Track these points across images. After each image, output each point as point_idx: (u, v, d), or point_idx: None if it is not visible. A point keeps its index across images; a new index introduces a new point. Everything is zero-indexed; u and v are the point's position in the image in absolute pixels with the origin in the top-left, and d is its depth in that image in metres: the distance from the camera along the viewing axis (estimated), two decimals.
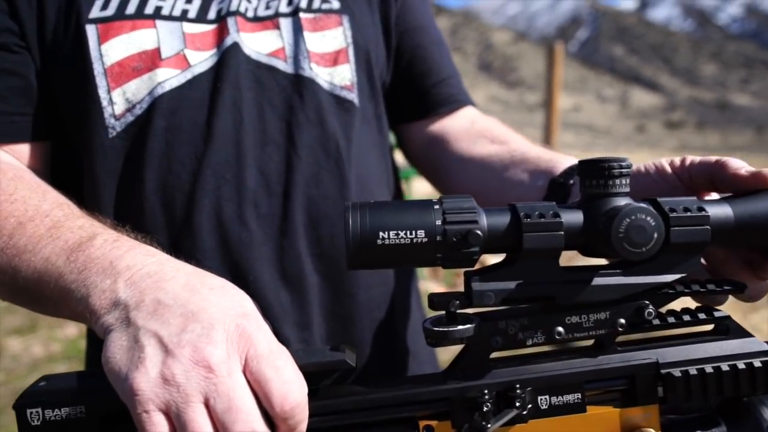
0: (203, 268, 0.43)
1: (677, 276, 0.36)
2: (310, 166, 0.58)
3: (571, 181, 0.50)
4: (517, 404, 0.35)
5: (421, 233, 0.34)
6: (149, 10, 0.55)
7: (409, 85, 0.68)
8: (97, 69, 0.53)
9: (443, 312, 0.36)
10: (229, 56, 0.56)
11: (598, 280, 0.36)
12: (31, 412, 0.34)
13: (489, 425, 0.34)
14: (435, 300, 0.36)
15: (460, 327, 0.35)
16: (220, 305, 0.36)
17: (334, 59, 0.60)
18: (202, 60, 0.56)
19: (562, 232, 0.35)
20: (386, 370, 0.64)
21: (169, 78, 0.54)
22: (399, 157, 0.75)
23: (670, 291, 0.37)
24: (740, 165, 0.40)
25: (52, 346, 2.89)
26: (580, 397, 0.36)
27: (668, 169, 0.44)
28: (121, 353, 0.34)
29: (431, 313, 0.38)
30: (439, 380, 0.37)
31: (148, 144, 0.54)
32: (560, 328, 0.36)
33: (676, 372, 0.36)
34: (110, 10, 0.54)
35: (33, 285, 0.41)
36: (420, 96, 0.68)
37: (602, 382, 0.37)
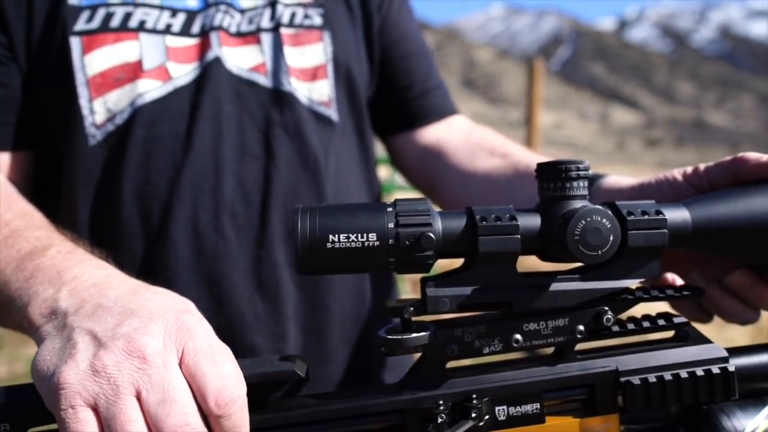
0: (178, 277, 0.46)
1: (636, 281, 0.36)
2: (288, 179, 0.59)
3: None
4: (474, 415, 0.34)
5: (372, 236, 0.33)
6: (133, 23, 0.56)
7: (394, 96, 0.68)
8: (79, 79, 0.54)
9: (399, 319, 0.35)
10: (210, 70, 0.57)
11: (556, 286, 0.35)
12: None
13: None
14: (389, 307, 0.35)
15: (414, 335, 0.34)
16: (161, 303, 0.35)
17: (313, 75, 0.61)
18: (183, 73, 0.57)
19: (519, 236, 0.34)
20: (363, 381, 0.63)
21: (150, 89, 0.55)
22: (382, 171, 0.73)
23: (630, 297, 0.37)
24: (758, 155, 0.40)
25: (15, 365, 2.82)
26: (539, 407, 0.35)
27: (680, 178, 0.44)
28: (51, 354, 0.32)
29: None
30: (393, 391, 0.35)
31: (127, 153, 0.55)
32: (518, 336, 0.35)
33: (635, 380, 0.35)
34: (95, 23, 0.55)
35: None
36: (405, 106, 0.69)
37: (561, 391, 0.36)
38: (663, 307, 0.41)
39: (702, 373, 0.35)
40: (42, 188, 0.59)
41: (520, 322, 0.36)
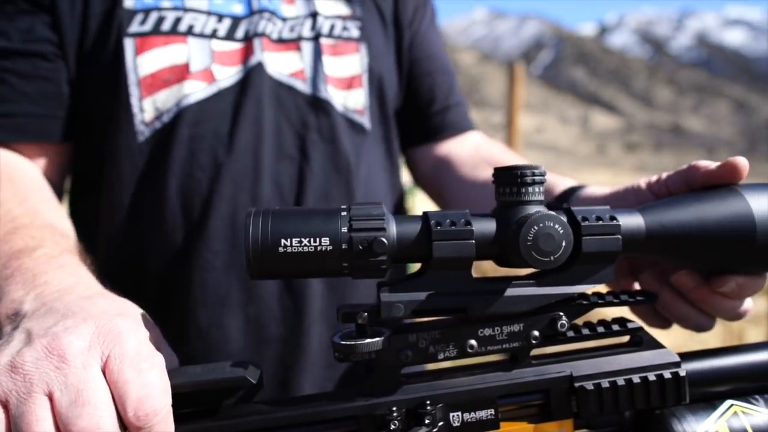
0: (213, 269, 0.52)
1: (591, 286, 0.36)
2: (321, 181, 0.62)
3: (565, 205, 0.50)
4: (427, 422, 0.34)
5: (325, 241, 0.32)
6: (183, 27, 0.60)
7: (416, 110, 0.72)
8: (131, 79, 0.58)
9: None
10: (253, 74, 0.60)
11: (510, 291, 0.35)
12: None
13: None
14: (344, 312, 0.35)
15: (367, 341, 0.34)
16: (105, 306, 0.35)
17: (349, 84, 0.65)
18: (227, 76, 0.60)
19: (473, 241, 0.34)
20: None
21: (196, 91, 0.59)
22: (406, 175, 0.80)
23: (584, 302, 0.37)
24: (708, 163, 0.41)
25: None
26: (493, 413, 0.35)
27: (643, 186, 0.46)
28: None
29: None
30: (347, 397, 0.35)
31: (172, 150, 0.59)
32: (473, 341, 0.35)
33: (589, 385, 0.35)
34: (148, 26, 0.59)
35: None
36: (424, 121, 0.72)
37: (516, 397, 0.36)
38: (624, 312, 0.41)
39: (654, 378, 0.36)
40: (83, 179, 0.63)
41: (475, 327, 0.35)
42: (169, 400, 0.31)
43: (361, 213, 0.33)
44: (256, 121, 0.60)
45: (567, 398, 0.36)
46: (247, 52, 0.61)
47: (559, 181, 0.58)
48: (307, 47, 0.64)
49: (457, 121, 0.73)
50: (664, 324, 0.46)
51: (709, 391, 0.36)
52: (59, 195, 0.62)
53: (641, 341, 0.38)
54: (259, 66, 0.61)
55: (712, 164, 0.40)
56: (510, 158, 0.70)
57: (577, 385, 0.36)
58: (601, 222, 0.35)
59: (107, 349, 0.31)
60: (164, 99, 0.59)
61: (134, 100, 0.58)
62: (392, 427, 0.33)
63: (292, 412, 0.34)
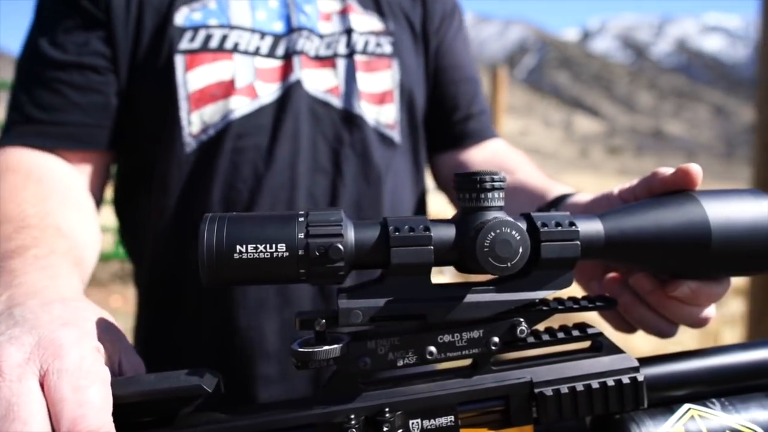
0: None
1: (551, 292, 0.36)
2: (352, 193, 0.66)
3: (553, 210, 0.53)
4: (386, 429, 0.33)
5: (282, 247, 0.32)
6: (229, 45, 0.63)
7: (439, 118, 0.74)
8: (181, 93, 0.62)
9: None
10: (292, 91, 0.64)
11: (470, 297, 0.35)
12: None
13: None
14: (302, 319, 0.35)
15: (325, 348, 0.33)
16: (57, 314, 0.34)
17: (381, 99, 0.68)
18: (269, 92, 0.64)
19: (432, 247, 0.34)
20: None
21: (240, 106, 0.63)
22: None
23: (544, 308, 0.37)
24: (666, 170, 0.41)
25: None
26: (453, 420, 0.35)
27: (615, 193, 0.47)
28: None
29: None
30: (305, 405, 0.34)
31: (216, 161, 0.62)
32: (432, 348, 0.35)
33: (548, 391, 0.35)
34: (197, 43, 0.62)
35: None
36: (447, 129, 0.74)
37: (476, 403, 0.36)
38: (595, 316, 0.42)
39: (613, 384, 0.36)
40: (131, 184, 0.67)
41: (434, 334, 0.35)
42: (108, 418, 0.30)
43: (318, 219, 0.33)
44: (293, 136, 0.63)
45: (527, 404, 0.36)
46: (287, 69, 0.65)
47: (553, 188, 0.60)
48: (341, 64, 0.67)
49: (478, 129, 0.74)
50: (629, 329, 0.47)
51: (667, 395, 0.37)
52: (99, 199, 0.65)
53: (601, 347, 0.38)
54: (298, 83, 0.64)
55: (669, 171, 0.41)
56: (519, 163, 0.71)
57: (536, 391, 0.36)
58: (560, 228, 0.35)
59: (46, 363, 0.31)
60: (211, 113, 0.62)
61: (183, 114, 0.62)
62: None
63: (250, 420, 0.33)
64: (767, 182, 1.96)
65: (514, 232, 0.33)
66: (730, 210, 0.37)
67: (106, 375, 0.32)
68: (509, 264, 0.34)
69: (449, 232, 0.35)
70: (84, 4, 0.61)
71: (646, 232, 0.37)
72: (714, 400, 0.36)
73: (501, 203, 0.35)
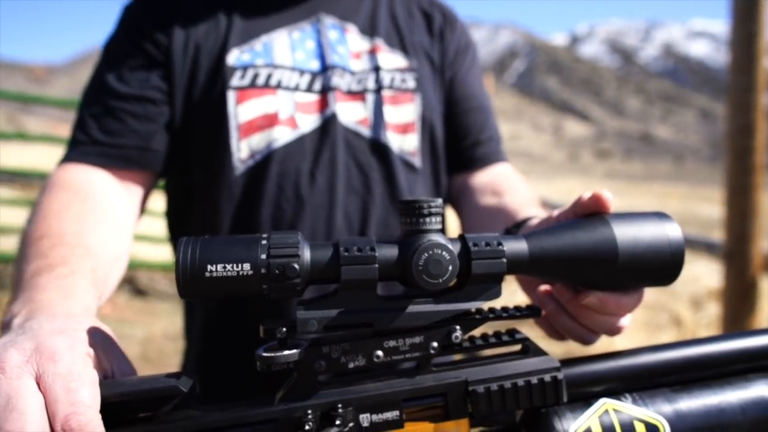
0: None
1: (482, 303, 0.42)
2: (381, 212, 0.76)
3: (517, 232, 0.61)
4: (338, 423, 0.38)
5: (246, 266, 0.38)
6: (273, 82, 0.74)
7: (450, 143, 0.83)
8: (232, 124, 0.72)
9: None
10: (328, 123, 0.74)
11: (412, 308, 0.41)
12: None
13: None
14: (266, 328, 0.40)
15: (285, 352, 0.38)
16: (55, 326, 0.40)
17: (405, 129, 0.78)
18: (308, 123, 0.74)
19: (377, 265, 0.40)
20: None
21: (283, 136, 0.73)
22: None
23: (477, 316, 0.43)
24: (586, 195, 0.48)
25: None
26: (398, 414, 0.40)
27: (555, 215, 0.53)
28: None
29: None
30: (268, 402, 0.39)
31: (263, 184, 0.72)
32: (379, 352, 0.41)
33: (480, 389, 0.41)
34: (246, 81, 0.73)
35: (14, 283, 0.53)
36: (457, 154, 0.83)
37: (419, 400, 0.41)
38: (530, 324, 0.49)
39: (536, 382, 0.42)
40: (182, 203, 0.77)
41: (381, 340, 0.41)
42: (96, 415, 0.35)
43: (278, 242, 0.38)
44: (331, 162, 0.73)
45: (463, 400, 0.41)
46: (323, 103, 0.75)
47: (523, 211, 0.69)
48: (370, 98, 0.77)
49: (484, 155, 0.83)
50: (558, 336, 0.53)
51: (586, 391, 0.42)
52: (141, 211, 0.75)
53: (529, 350, 0.44)
54: (333, 116, 0.74)
55: (586, 196, 0.47)
56: (509, 186, 0.79)
57: (470, 388, 0.41)
58: (489, 247, 0.41)
59: (42, 367, 0.36)
60: (257, 141, 0.72)
61: (233, 142, 0.71)
62: (307, 427, 0.37)
63: (218, 416, 0.38)
64: (740, 188, 2.18)
65: (444, 253, 0.39)
66: (636, 231, 0.43)
67: (94, 378, 0.37)
68: (440, 280, 0.40)
69: (392, 252, 0.41)
70: (147, 47, 0.72)
71: (563, 249, 0.43)
72: (627, 394, 0.42)
73: (438, 226, 0.41)
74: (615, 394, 0.42)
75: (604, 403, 0.41)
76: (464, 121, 0.83)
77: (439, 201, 0.42)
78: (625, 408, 0.40)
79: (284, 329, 0.39)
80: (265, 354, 0.39)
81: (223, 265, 0.37)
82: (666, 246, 0.43)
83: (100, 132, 0.69)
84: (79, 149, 0.69)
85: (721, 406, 0.40)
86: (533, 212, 0.67)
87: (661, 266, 0.43)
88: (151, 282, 4.75)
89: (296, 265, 0.38)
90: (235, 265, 0.37)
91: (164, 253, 5.41)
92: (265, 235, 0.39)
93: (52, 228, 0.57)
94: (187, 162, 0.74)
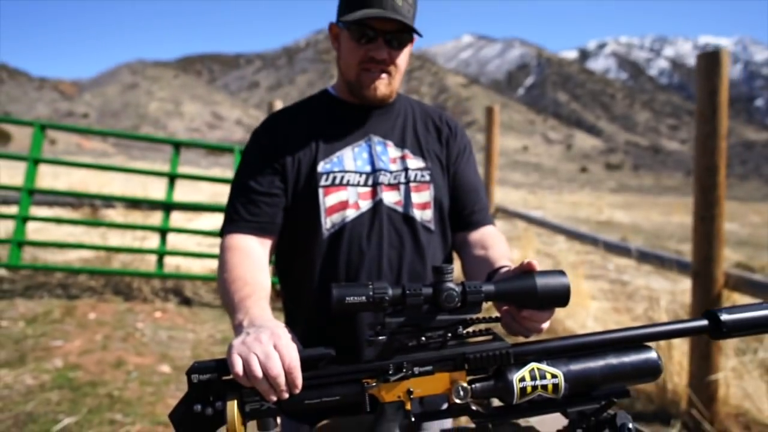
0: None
1: (472, 315, 0.78)
2: (410, 262, 1.14)
3: (494, 276, 0.99)
4: (404, 370, 0.75)
5: (362, 298, 0.74)
6: (344, 181, 1.14)
7: (456, 213, 1.23)
8: (322, 208, 1.12)
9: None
10: (378, 206, 1.14)
11: (438, 317, 0.76)
12: (192, 376, 0.74)
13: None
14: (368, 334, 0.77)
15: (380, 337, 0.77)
16: (270, 325, 0.82)
17: (424, 206, 1.17)
18: (365, 206, 1.14)
19: (422, 297, 0.76)
20: None
21: (351, 215, 1.13)
22: None
23: (469, 321, 0.79)
24: (526, 261, 0.84)
25: (42, 376, 3.14)
26: (431, 368, 0.76)
27: (512, 268, 0.91)
28: (237, 341, 0.77)
29: None
30: (372, 361, 0.76)
31: (341, 243, 1.12)
32: (423, 338, 0.77)
33: (471, 356, 0.76)
34: (329, 182, 1.13)
35: (227, 306, 0.96)
36: (458, 220, 1.23)
37: (442, 362, 0.77)
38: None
39: (498, 353, 0.77)
40: (287, 257, 1.19)
41: (424, 332, 0.78)
42: (298, 364, 0.74)
43: (378, 286, 0.75)
44: (379, 229, 1.13)
45: (462, 362, 0.77)
46: (374, 193, 1.14)
47: (500, 262, 1.06)
48: (402, 188, 1.16)
49: (476, 221, 1.23)
50: (512, 333, 0.90)
51: (524, 359, 0.77)
52: (270, 260, 1.15)
53: (496, 338, 0.80)
54: (380, 200, 1.14)
55: (526, 261, 0.83)
56: (494, 242, 1.17)
57: (467, 356, 0.77)
58: (475, 288, 0.76)
59: (276, 340, 0.76)
60: (336, 217, 1.12)
61: (322, 219, 1.12)
62: (390, 372, 0.76)
63: (352, 368, 0.76)
64: (706, 218, 2.63)
65: (454, 292, 0.74)
66: (547, 279, 0.80)
67: (296, 348, 0.76)
68: (452, 304, 0.75)
69: (429, 291, 0.76)
70: (270, 161, 1.14)
71: (510, 290, 0.80)
72: (544, 361, 0.77)
73: (452, 278, 0.77)
74: (538, 360, 0.77)
75: (532, 365, 0.76)
76: (463, 200, 1.23)
77: (452, 267, 0.76)
78: (542, 367, 0.75)
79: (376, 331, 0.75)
80: (370, 338, 0.76)
81: (353, 297, 0.72)
82: (561, 287, 0.80)
83: (246, 213, 1.12)
84: (235, 224, 1.11)
85: (590, 365, 0.76)
86: (504, 263, 1.04)
87: (559, 297, 0.80)
88: (195, 291, 5.16)
89: (387, 297, 0.73)
90: (358, 297, 0.72)
91: (204, 266, 5.85)
92: (370, 283, 0.74)
93: (239, 274, 1.00)
94: (293, 230, 1.15)
